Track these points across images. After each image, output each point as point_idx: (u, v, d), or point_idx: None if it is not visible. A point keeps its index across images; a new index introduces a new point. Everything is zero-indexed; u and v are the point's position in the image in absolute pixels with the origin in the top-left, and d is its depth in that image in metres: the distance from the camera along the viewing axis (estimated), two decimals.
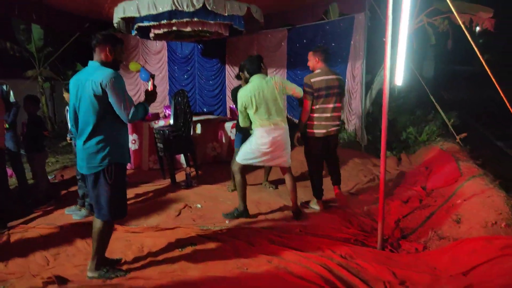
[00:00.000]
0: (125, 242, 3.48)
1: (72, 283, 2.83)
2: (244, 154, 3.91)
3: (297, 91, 3.91)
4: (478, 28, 7.23)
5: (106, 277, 2.84)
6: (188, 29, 5.36)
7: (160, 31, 5.54)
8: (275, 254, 3.19)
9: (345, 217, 3.99)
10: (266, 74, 3.97)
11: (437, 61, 9.03)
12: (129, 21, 5.85)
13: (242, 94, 3.74)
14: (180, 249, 3.33)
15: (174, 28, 5.35)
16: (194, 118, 5.85)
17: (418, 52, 8.09)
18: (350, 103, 6.71)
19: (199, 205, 4.50)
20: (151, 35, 5.81)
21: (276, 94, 3.75)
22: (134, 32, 5.74)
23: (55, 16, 6.37)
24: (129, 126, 5.23)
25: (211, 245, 3.39)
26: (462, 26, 3.98)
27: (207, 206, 4.50)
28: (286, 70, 7.21)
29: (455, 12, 4.04)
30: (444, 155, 5.56)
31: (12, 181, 5.23)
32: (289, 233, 3.61)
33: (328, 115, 4.03)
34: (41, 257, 3.25)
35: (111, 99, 2.63)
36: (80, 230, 3.81)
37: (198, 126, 6.25)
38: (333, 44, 6.74)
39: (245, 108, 3.77)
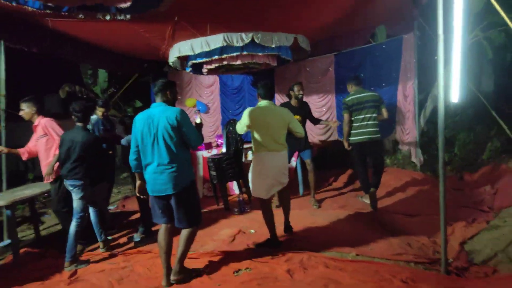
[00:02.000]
0: None
1: None
2: (254, 188, 3.96)
3: (298, 129, 3.99)
4: None
5: (185, 282, 3.29)
6: (238, 62, 5.61)
7: (212, 66, 5.85)
8: (331, 279, 3.13)
9: (404, 239, 3.82)
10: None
11: (497, 75, 8.53)
12: (183, 59, 6.25)
13: (249, 113, 3.80)
14: (235, 274, 3.38)
15: (225, 62, 5.63)
16: (245, 146, 6.01)
17: (474, 67, 7.71)
18: (403, 123, 6.53)
19: (252, 231, 4.54)
20: (204, 70, 6.16)
21: (280, 122, 3.85)
22: (188, 69, 6.11)
23: (118, 60, 7.05)
24: None
25: (266, 269, 3.40)
26: None
27: (260, 231, 4.51)
28: (334, 95, 7.21)
29: (510, 24, 3.88)
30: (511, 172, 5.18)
31: None
32: (345, 257, 3.53)
33: (363, 123, 5.07)
34: (106, 282, 3.44)
35: (185, 129, 3.18)
36: (140, 257, 4.01)
37: (249, 153, 6.39)
38: (382, 66, 6.69)
39: (247, 126, 3.81)
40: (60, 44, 5.53)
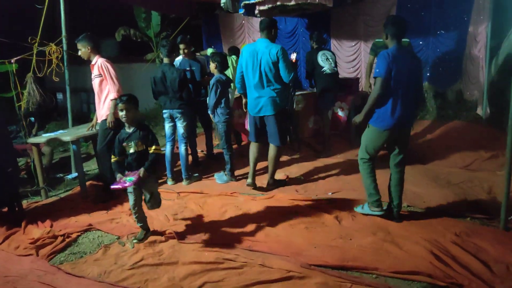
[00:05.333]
0: (235, 207, 3.74)
1: (188, 239, 3.19)
2: None
3: None
4: None
5: (275, 188, 4.16)
6: (292, 2, 5.34)
7: (265, 7, 5.63)
8: (380, 227, 3.11)
9: (460, 193, 3.66)
10: None
11: None
12: (235, 1, 6.06)
13: None
14: (284, 216, 3.45)
15: (278, 3, 5.38)
16: (297, 93, 5.88)
17: None
18: (469, 71, 5.99)
19: (301, 177, 4.56)
20: (256, 12, 5.95)
21: None
22: (241, 11, 5.93)
23: (169, 2, 7.01)
24: (234, 101, 5.49)
25: (314, 213, 3.44)
26: None
27: (308, 177, 4.54)
28: None
29: None
30: None
31: None
32: None
33: None
34: (162, 216, 3.69)
35: (281, 64, 3.72)
36: (193, 195, 4.20)
37: (300, 100, 6.26)
38: (450, 7, 6.07)
39: None
40: None
